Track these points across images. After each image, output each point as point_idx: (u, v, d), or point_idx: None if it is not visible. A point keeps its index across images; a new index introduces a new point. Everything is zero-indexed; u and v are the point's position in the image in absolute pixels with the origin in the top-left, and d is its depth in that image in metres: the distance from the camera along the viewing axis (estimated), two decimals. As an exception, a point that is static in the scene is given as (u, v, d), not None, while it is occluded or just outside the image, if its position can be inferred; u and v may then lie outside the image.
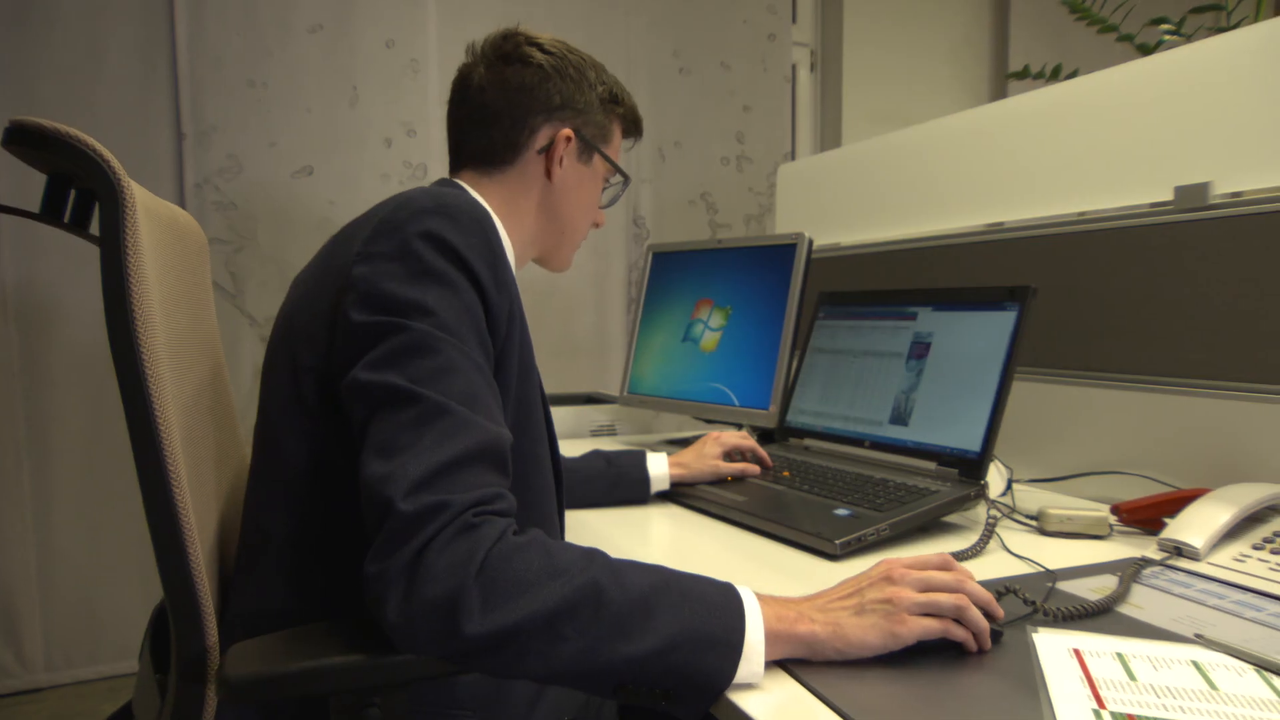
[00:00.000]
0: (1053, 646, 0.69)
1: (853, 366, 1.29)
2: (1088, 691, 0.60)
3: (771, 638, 0.64)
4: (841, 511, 1.01)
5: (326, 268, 0.78)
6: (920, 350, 1.19)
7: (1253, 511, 0.94)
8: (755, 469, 1.24)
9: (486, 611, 0.59)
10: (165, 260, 0.73)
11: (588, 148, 1.01)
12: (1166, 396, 1.18)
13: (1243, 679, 0.63)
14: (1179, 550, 0.91)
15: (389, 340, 0.68)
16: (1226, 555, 0.90)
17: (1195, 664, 0.65)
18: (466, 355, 0.70)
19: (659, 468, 1.23)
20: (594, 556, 0.65)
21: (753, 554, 0.98)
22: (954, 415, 1.12)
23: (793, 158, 2.91)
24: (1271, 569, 0.85)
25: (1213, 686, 0.61)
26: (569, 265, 1.09)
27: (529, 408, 0.84)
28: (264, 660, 0.61)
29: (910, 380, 1.19)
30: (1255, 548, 0.89)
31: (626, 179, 1.09)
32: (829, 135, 3.05)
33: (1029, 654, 0.68)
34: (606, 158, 1.03)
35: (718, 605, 0.64)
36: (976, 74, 3.22)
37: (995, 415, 1.07)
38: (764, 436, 1.46)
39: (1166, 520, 0.98)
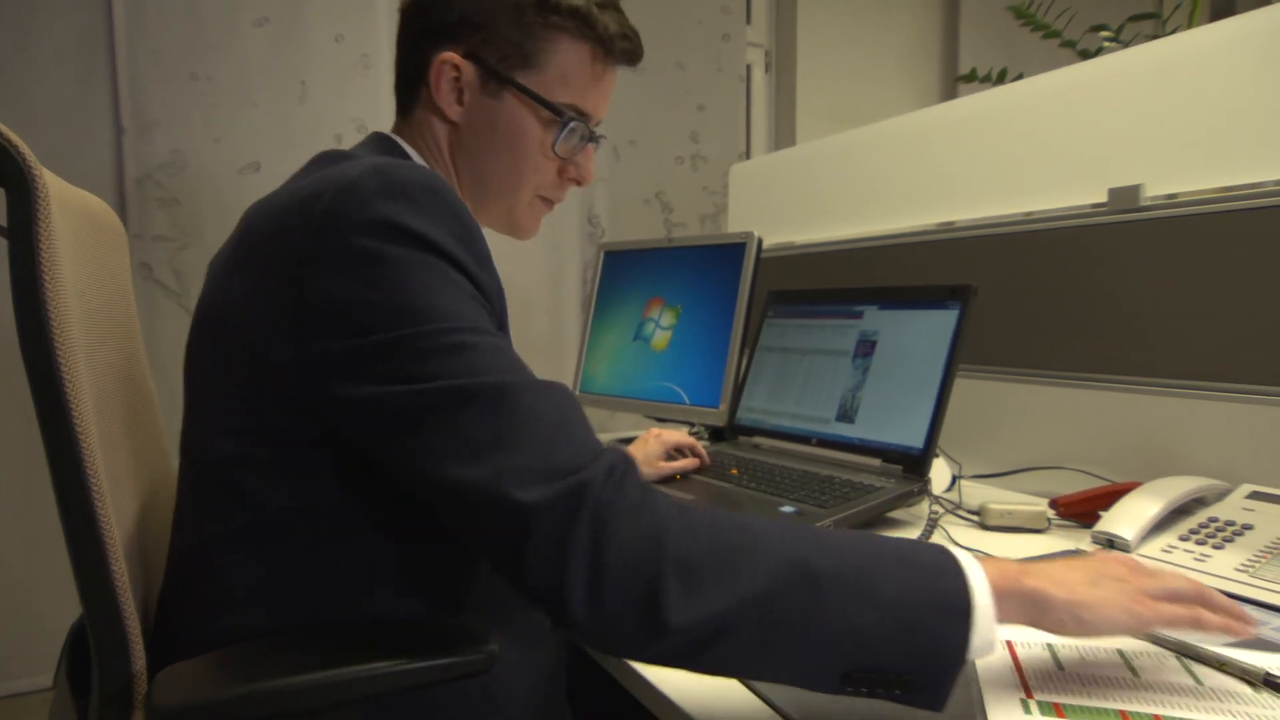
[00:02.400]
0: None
1: (801, 365, 1.30)
2: (1017, 681, 0.61)
3: (1000, 594, 0.54)
4: (787, 509, 1.02)
5: (255, 252, 0.66)
6: (866, 349, 1.21)
7: (1180, 504, 0.97)
8: (694, 463, 1.22)
9: (690, 598, 0.51)
10: (81, 252, 0.68)
11: (493, 76, 0.78)
12: (1102, 393, 1.21)
13: (1164, 666, 0.65)
14: (1111, 542, 0.94)
15: (393, 357, 0.57)
16: (1156, 546, 0.92)
17: (1120, 653, 0.67)
18: (484, 330, 0.60)
19: None
20: (788, 524, 0.59)
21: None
22: (898, 413, 1.13)
23: (748, 157, 2.93)
24: (1196, 559, 0.87)
25: (1136, 674, 0.63)
26: (528, 230, 0.89)
27: None
28: (198, 686, 0.55)
29: (856, 378, 1.20)
30: (1182, 539, 0.92)
31: (561, 115, 0.80)
32: (783, 135, 3.07)
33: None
34: (522, 87, 0.78)
35: (937, 567, 0.55)
36: (927, 76, 3.28)
37: (938, 412, 1.08)
38: (714, 434, 1.47)
39: (1101, 513, 1.01)
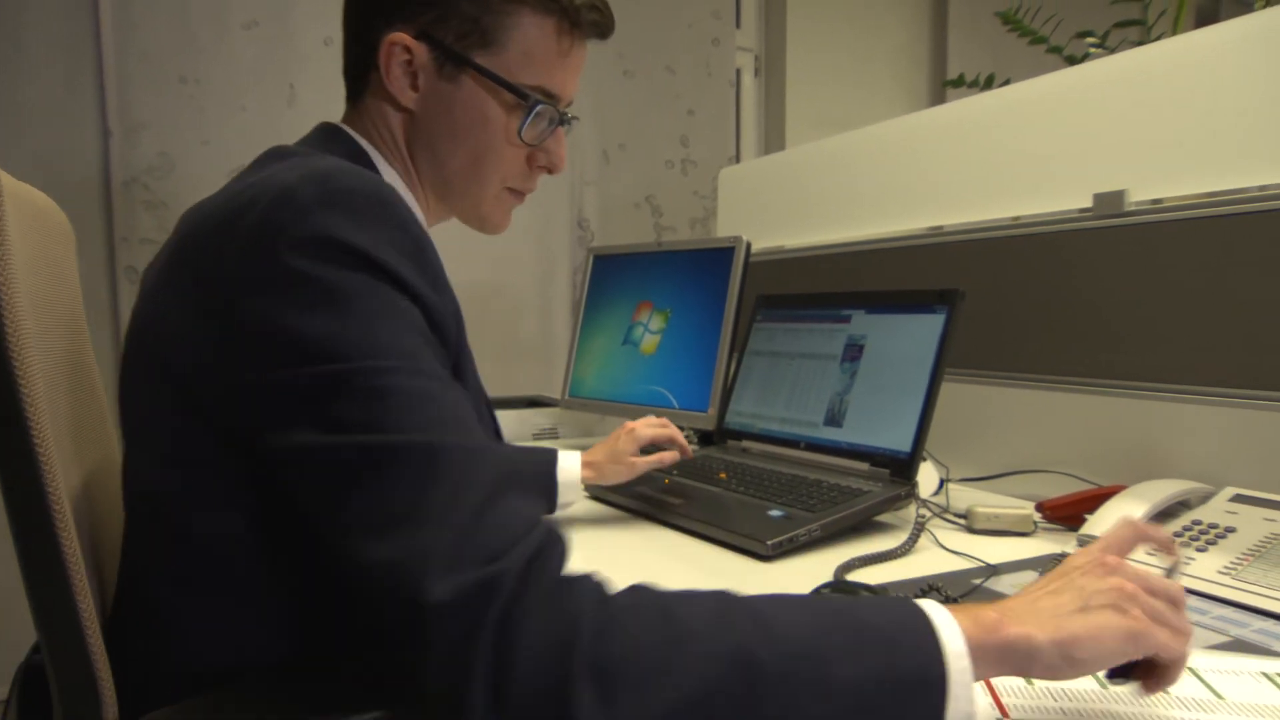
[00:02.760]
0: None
1: (789, 369, 1.30)
2: (990, 701, 0.61)
3: (977, 652, 0.48)
4: (774, 513, 1.02)
5: (187, 266, 0.60)
6: (854, 353, 1.21)
7: (1165, 507, 0.97)
8: (674, 456, 1.10)
9: (608, 708, 0.44)
10: (29, 249, 0.63)
11: (449, 57, 0.72)
12: (1088, 397, 1.22)
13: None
14: (1096, 546, 0.94)
15: (321, 395, 0.51)
16: (1140, 550, 0.93)
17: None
18: (425, 372, 0.54)
19: (570, 472, 1.07)
20: (726, 606, 0.49)
21: (684, 556, 0.98)
22: (886, 417, 1.14)
23: (737, 161, 2.94)
24: (1180, 562, 0.88)
25: (1104, 685, 0.63)
26: (497, 225, 0.82)
27: (481, 421, 0.68)
28: None
29: (844, 382, 1.21)
30: (1167, 542, 0.93)
31: (526, 97, 0.73)
32: (773, 139, 3.08)
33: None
34: (481, 68, 0.72)
35: (901, 630, 0.49)
36: (916, 81, 3.29)
37: (925, 416, 1.09)
38: (703, 438, 1.47)
39: (1087, 516, 1.01)
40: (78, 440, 0.70)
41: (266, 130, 2.17)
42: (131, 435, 0.64)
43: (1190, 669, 0.65)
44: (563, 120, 0.79)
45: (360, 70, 0.76)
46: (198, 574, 0.59)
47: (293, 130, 2.44)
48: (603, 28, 0.78)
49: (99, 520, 0.70)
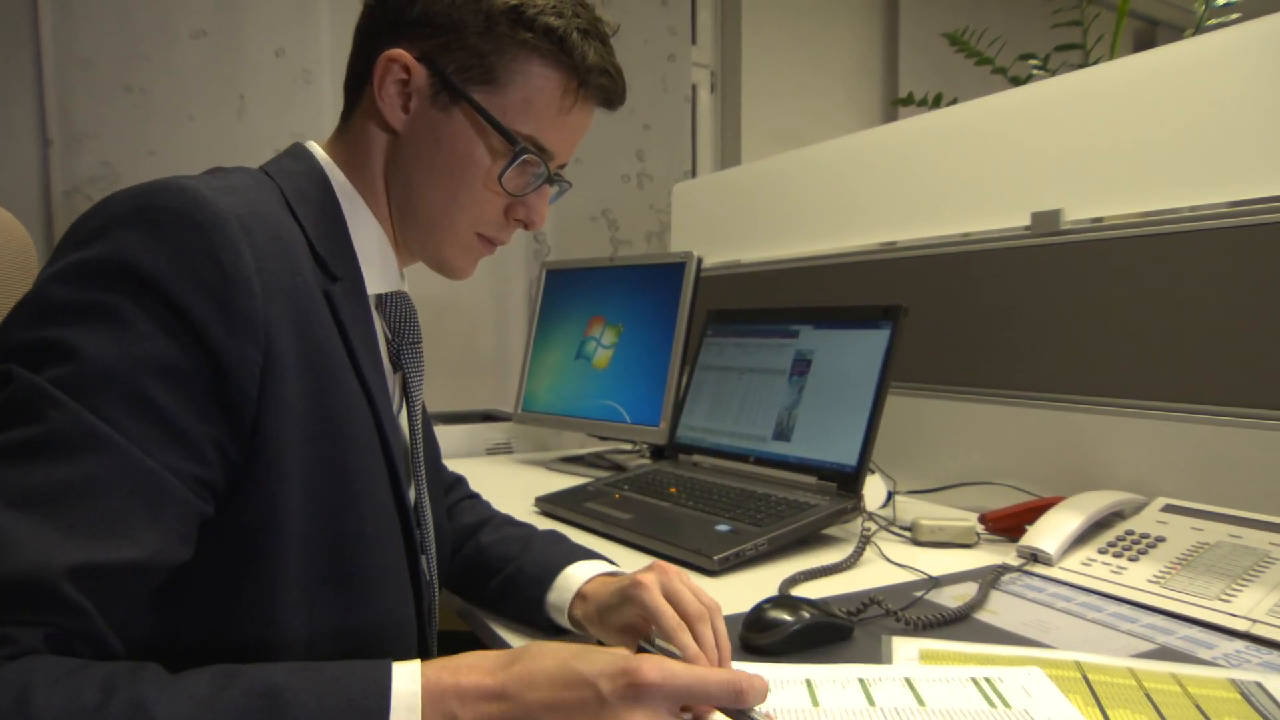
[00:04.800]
0: (903, 651, 0.72)
1: (739, 383, 1.31)
2: None
3: None
4: (722, 527, 1.03)
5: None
6: (802, 367, 1.23)
7: (1100, 517, 1.00)
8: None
9: None
10: None
11: (446, 86, 0.69)
12: (1030, 410, 1.25)
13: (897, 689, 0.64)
14: (1035, 556, 0.96)
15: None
16: (1076, 560, 0.95)
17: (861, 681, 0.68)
18: (103, 425, 0.49)
19: (563, 593, 0.78)
20: (114, 693, 0.44)
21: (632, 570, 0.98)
22: (832, 431, 1.15)
23: (693, 175, 2.96)
24: (1113, 571, 0.90)
25: (871, 702, 0.63)
26: (461, 271, 0.77)
27: (344, 476, 0.62)
28: None
29: (792, 397, 1.22)
30: (1100, 551, 0.95)
31: (514, 144, 0.70)
32: (729, 155, 3.11)
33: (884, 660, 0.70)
34: (476, 105, 0.68)
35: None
36: (868, 98, 3.36)
37: (870, 430, 1.10)
38: (655, 452, 1.47)
39: (1027, 527, 1.03)
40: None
41: (215, 141, 2.13)
42: None
43: (906, 679, 0.66)
44: (550, 179, 0.75)
45: (356, 84, 0.73)
46: None
47: (242, 141, 2.40)
48: (610, 96, 0.75)
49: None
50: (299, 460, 0.58)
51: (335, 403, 0.62)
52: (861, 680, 0.66)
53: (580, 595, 0.76)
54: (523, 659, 0.52)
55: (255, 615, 0.58)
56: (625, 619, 0.69)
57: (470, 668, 0.51)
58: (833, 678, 0.67)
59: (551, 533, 0.89)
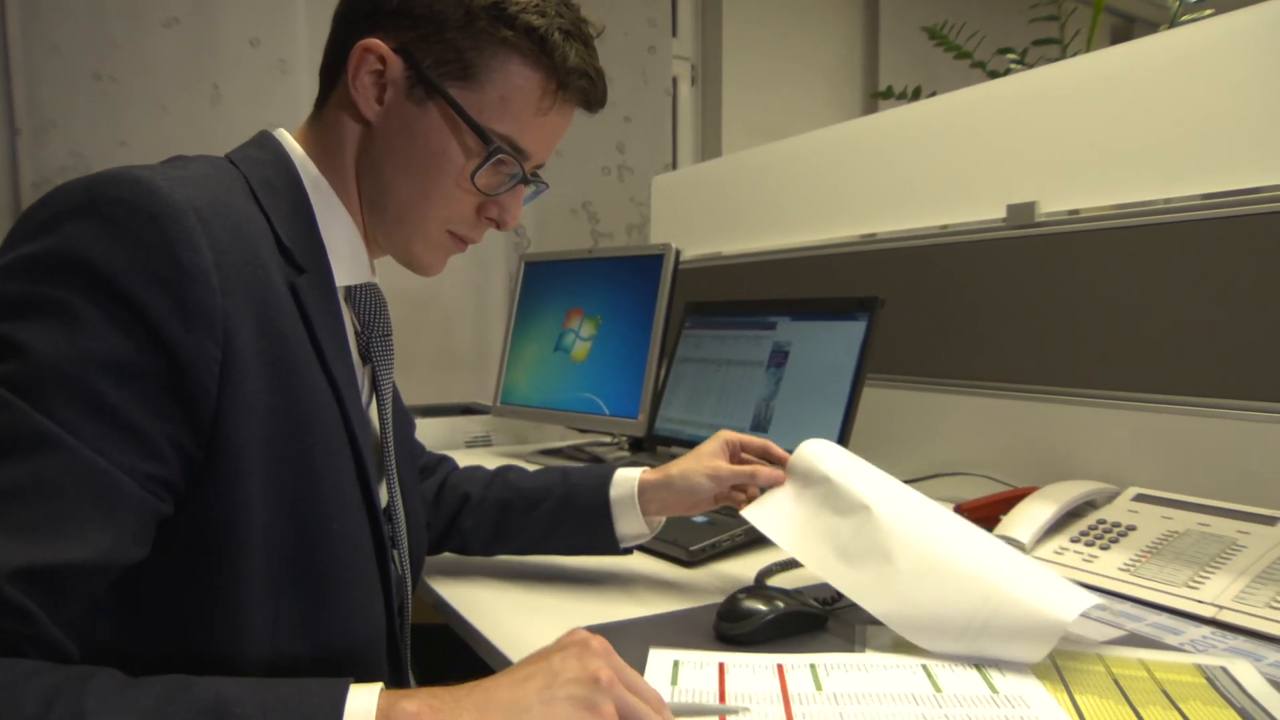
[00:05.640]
0: (877, 641, 0.72)
1: (717, 375, 1.32)
2: (781, 710, 0.61)
3: None
4: (699, 519, 1.03)
5: None
6: (779, 359, 1.23)
7: (1072, 507, 1.01)
8: (769, 474, 0.85)
9: None
10: None
11: (421, 80, 0.68)
12: (1004, 401, 1.26)
13: (915, 676, 0.66)
14: (1009, 545, 0.97)
15: None
16: (1050, 548, 0.96)
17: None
18: (51, 424, 0.47)
19: (626, 482, 0.88)
20: (55, 703, 0.43)
21: (609, 561, 0.98)
22: (809, 422, 1.15)
23: (674, 168, 2.96)
24: (1084, 559, 0.91)
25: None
26: (429, 267, 0.76)
27: (309, 473, 0.61)
28: None
29: (770, 388, 1.22)
30: (1073, 540, 0.96)
31: (489, 142, 0.68)
32: (709, 147, 3.11)
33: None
34: (452, 100, 0.67)
35: None
36: (849, 91, 3.37)
37: (847, 422, 1.11)
38: (633, 445, 1.47)
39: (1001, 517, 1.04)
40: None
41: (188, 131, 2.10)
42: None
43: (923, 666, 0.67)
44: (525, 180, 0.74)
45: (332, 72, 0.72)
46: None
47: (217, 131, 2.38)
48: (590, 98, 0.74)
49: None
50: (262, 458, 0.57)
51: (300, 398, 0.60)
52: (858, 665, 0.68)
53: (648, 471, 0.88)
54: (482, 682, 0.52)
55: (219, 614, 0.57)
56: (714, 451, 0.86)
57: (431, 690, 0.51)
58: (826, 663, 0.68)
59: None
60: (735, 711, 0.59)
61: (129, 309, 0.51)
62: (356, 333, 0.73)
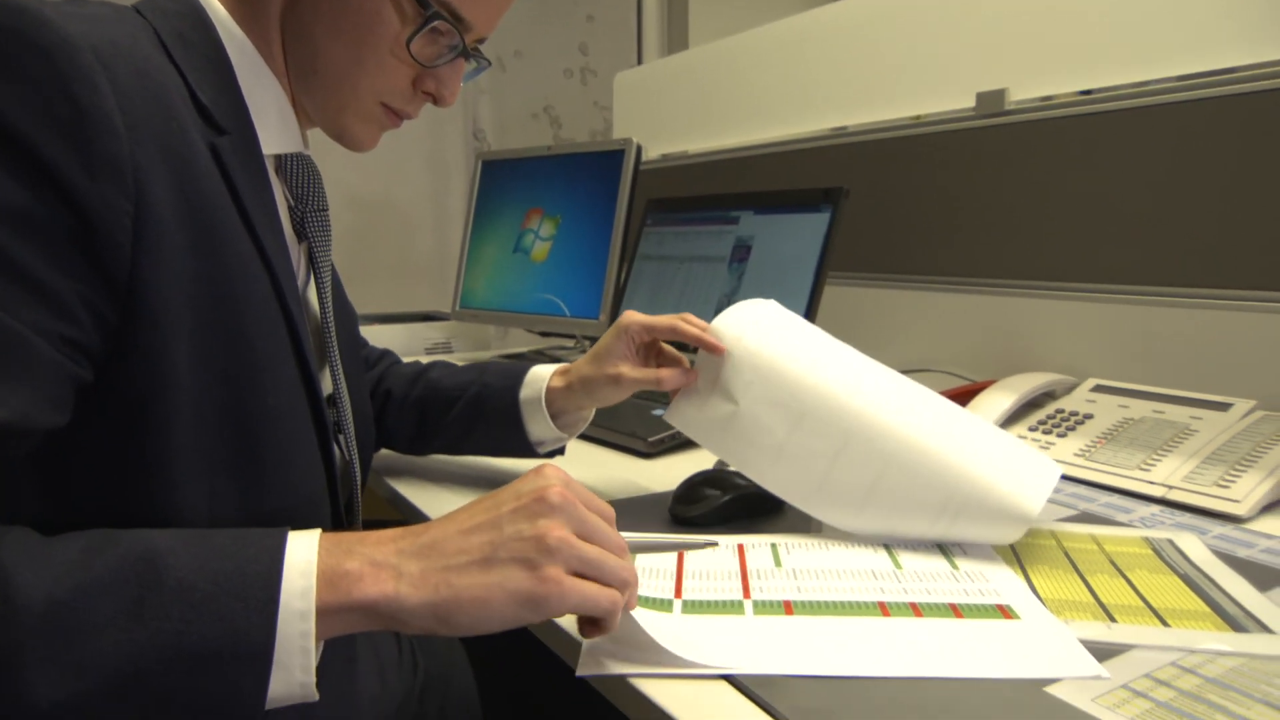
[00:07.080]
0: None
1: (679, 272, 1.29)
2: (739, 585, 0.61)
3: (325, 614, 0.44)
4: (658, 412, 1.01)
5: None
6: (742, 254, 1.20)
7: (1031, 397, 1.01)
8: (678, 377, 0.76)
9: None
10: None
11: None
12: (967, 296, 1.25)
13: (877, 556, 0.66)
14: (966, 434, 0.97)
15: None
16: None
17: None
18: None
19: (536, 382, 0.83)
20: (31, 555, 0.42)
21: (570, 455, 0.96)
22: (771, 317, 1.13)
23: (640, 72, 2.86)
24: (1042, 447, 0.92)
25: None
26: (362, 142, 0.69)
27: (240, 342, 0.56)
28: None
29: (732, 284, 1.20)
30: (1031, 429, 0.96)
31: (426, 8, 0.63)
32: (676, 47, 2.99)
33: (815, 531, 0.70)
34: None
35: (223, 586, 0.43)
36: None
37: (809, 315, 1.09)
38: (596, 347, 1.45)
39: (961, 410, 1.04)
40: None
41: None
42: None
43: (885, 546, 0.67)
44: (466, 53, 0.68)
45: None
46: None
47: None
48: None
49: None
50: (187, 324, 0.52)
51: (227, 264, 0.55)
52: (820, 544, 0.68)
53: (557, 374, 0.82)
54: (430, 527, 0.50)
55: (150, 491, 0.54)
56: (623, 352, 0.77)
57: (378, 535, 0.49)
58: (797, 544, 0.68)
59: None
60: (701, 546, 0.59)
61: (22, 153, 0.45)
62: (290, 206, 0.68)
